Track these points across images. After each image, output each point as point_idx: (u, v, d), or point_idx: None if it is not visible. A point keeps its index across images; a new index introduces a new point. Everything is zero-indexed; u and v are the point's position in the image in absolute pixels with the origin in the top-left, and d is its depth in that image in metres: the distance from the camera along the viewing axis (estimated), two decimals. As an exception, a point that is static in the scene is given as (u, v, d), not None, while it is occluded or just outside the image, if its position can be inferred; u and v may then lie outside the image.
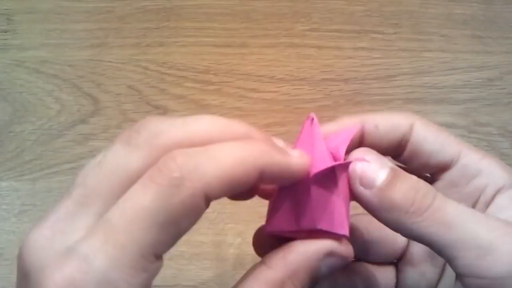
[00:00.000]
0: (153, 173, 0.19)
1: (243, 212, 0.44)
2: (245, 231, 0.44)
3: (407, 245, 0.29)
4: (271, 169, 0.21)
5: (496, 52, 0.51)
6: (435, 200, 0.22)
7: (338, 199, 0.23)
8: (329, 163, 0.23)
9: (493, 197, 0.26)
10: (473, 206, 0.26)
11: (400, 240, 0.29)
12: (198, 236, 0.44)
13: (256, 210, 0.44)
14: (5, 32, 0.50)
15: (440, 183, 0.27)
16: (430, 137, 0.27)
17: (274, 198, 0.24)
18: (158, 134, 0.21)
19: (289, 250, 0.23)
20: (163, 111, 0.48)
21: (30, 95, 0.49)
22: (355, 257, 0.28)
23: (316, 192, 0.22)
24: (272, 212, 0.24)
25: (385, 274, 0.30)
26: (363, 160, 0.24)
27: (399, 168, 0.24)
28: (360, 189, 0.23)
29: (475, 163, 0.26)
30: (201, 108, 0.49)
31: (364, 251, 0.29)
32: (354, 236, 0.28)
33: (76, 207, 0.20)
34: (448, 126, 0.49)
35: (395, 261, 0.30)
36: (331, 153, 0.24)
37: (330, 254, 0.23)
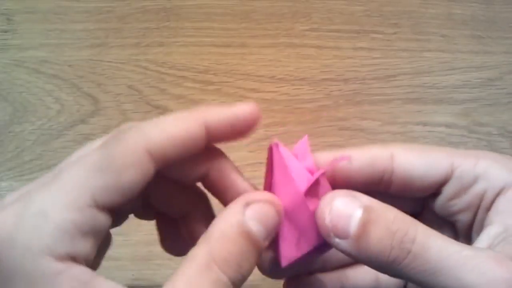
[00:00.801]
0: (103, 139, 0.22)
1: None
2: (245, 231, 0.44)
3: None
4: (216, 122, 0.22)
5: (495, 52, 0.51)
6: (415, 244, 0.20)
7: None
8: (310, 176, 0.23)
9: (492, 201, 0.25)
10: (475, 214, 0.25)
11: None
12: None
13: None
14: (5, 32, 0.50)
15: (440, 198, 0.26)
16: (415, 162, 0.25)
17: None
18: (129, 128, 0.22)
19: (211, 225, 0.22)
20: (163, 111, 0.48)
21: (30, 95, 0.49)
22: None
23: (310, 206, 0.22)
24: (279, 248, 0.24)
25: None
26: (332, 202, 0.22)
27: (372, 204, 0.22)
28: (336, 241, 0.21)
29: (469, 171, 0.25)
30: (201, 108, 0.49)
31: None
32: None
33: (50, 178, 0.21)
34: (448, 126, 0.49)
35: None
36: (305, 168, 0.24)
37: (247, 204, 0.22)
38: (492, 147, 0.48)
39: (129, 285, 0.46)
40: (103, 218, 0.20)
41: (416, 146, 0.26)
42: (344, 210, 0.21)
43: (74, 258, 0.19)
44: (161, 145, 0.20)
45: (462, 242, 0.25)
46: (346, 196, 0.22)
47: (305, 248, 0.23)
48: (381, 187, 0.26)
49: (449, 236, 0.26)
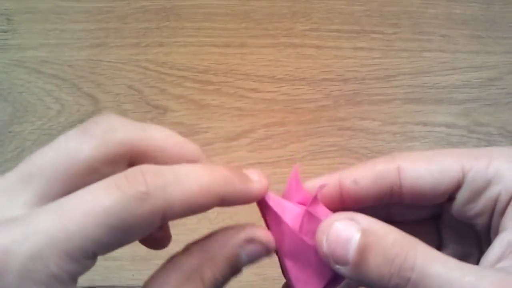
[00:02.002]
0: (119, 180, 0.19)
1: (243, 212, 0.43)
2: (245, 231, 0.44)
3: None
4: (231, 196, 0.22)
5: (495, 52, 0.51)
6: (414, 272, 0.20)
7: None
8: (302, 211, 0.23)
9: (507, 205, 0.23)
10: (490, 218, 0.24)
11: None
12: (198, 236, 0.44)
13: (256, 210, 0.44)
14: (5, 32, 0.50)
15: (455, 203, 0.25)
16: (423, 173, 0.24)
17: (287, 275, 0.24)
18: (116, 129, 0.21)
19: (208, 238, 0.23)
20: (163, 111, 0.48)
21: (30, 95, 0.49)
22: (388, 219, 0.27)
23: (309, 242, 0.23)
24: (295, 285, 0.24)
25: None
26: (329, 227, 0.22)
27: (371, 227, 0.21)
28: (336, 267, 0.21)
29: (481, 174, 0.24)
30: (201, 108, 0.49)
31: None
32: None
33: (19, 183, 0.20)
34: (448, 126, 0.49)
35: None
36: (300, 203, 0.24)
37: (249, 241, 0.22)
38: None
39: (129, 285, 0.46)
40: (92, 263, 0.20)
41: (422, 155, 0.25)
42: (341, 235, 0.21)
43: None
44: (179, 212, 0.20)
45: (484, 244, 0.25)
46: (343, 220, 0.21)
47: (320, 283, 0.23)
48: (393, 200, 0.25)
49: (471, 238, 0.26)
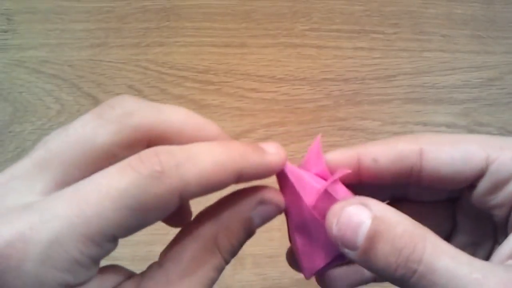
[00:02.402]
0: (133, 161, 0.19)
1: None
2: (245, 231, 0.44)
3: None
4: (249, 171, 0.21)
5: (496, 52, 0.51)
6: (421, 265, 0.20)
7: None
8: (319, 187, 0.23)
9: None
10: (510, 211, 0.24)
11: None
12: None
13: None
14: (5, 32, 0.50)
15: (475, 192, 0.24)
16: (446, 158, 0.23)
17: (294, 246, 0.24)
18: (132, 113, 0.20)
19: (219, 204, 0.22)
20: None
21: (30, 95, 0.49)
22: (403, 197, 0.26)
23: (321, 219, 0.22)
24: (300, 261, 0.24)
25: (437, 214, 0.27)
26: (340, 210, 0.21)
27: (382, 215, 0.21)
28: (345, 251, 0.21)
29: (505, 166, 0.23)
30: (201, 108, 0.49)
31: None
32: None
33: (35, 168, 0.19)
34: (448, 126, 0.49)
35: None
36: (317, 174, 0.24)
37: (261, 202, 0.22)
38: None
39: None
40: (114, 246, 0.20)
41: (446, 138, 0.24)
42: (352, 220, 0.21)
43: (87, 280, 0.19)
44: (195, 191, 0.20)
45: (500, 235, 0.25)
46: (355, 205, 0.21)
47: (325, 259, 0.23)
48: (411, 182, 0.24)
49: (487, 227, 0.25)
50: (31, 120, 0.48)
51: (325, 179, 0.23)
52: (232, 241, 0.22)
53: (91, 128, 0.20)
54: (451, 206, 0.27)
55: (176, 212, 0.25)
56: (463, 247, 0.25)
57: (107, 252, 0.19)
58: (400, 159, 0.23)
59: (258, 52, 0.50)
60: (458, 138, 0.24)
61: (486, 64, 0.50)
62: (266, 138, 0.48)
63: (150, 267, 0.21)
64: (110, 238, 0.19)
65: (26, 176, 0.19)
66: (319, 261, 0.23)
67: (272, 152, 0.22)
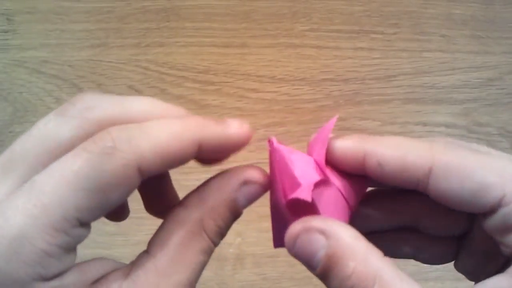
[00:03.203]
0: (86, 144, 0.19)
1: (243, 212, 0.44)
2: (245, 231, 0.44)
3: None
4: (209, 141, 0.21)
5: (495, 52, 0.51)
6: None
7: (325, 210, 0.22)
8: (294, 192, 0.22)
9: None
10: None
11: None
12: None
13: (256, 210, 0.44)
14: (5, 32, 0.50)
15: (484, 223, 0.22)
16: (456, 188, 0.21)
17: (272, 219, 0.24)
18: (93, 107, 0.20)
19: (203, 187, 0.22)
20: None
21: (30, 95, 0.49)
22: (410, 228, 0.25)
23: (293, 212, 0.22)
24: (272, 231, 0.24)
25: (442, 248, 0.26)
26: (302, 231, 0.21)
27: (337, 246, 0.20)
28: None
29: None
30: (201, 108, 0.49)
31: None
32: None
33: (0, 171, 0.19)
34: (448, 126, 0.49)
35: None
36: (315, 160, 0.23)
37: (245, 182, 0.22)
38: (492, 147, 0.48)
39: (129, 285, 0.46)
40: (85, 232, 0.19)
41: (463, 158, 0.21)
42: (307, 249, 0.21)
43: (64, 271, 0.19)
44: (153, 163, 0.19)
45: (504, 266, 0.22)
46: (311, 233, 0.21)
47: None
48: (418, 189, 0.22)
49: (496, 253, 0.22)
50: (31, 120, 0.48)
51: (322, 169, 0.23)
52: (219, 223, 0.22)
53: (53, 126, 0.20)
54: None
55: (158, 202, 0.25)
56: (476, 252, 0.25)
57: (78, 239, 0.19)
58: (406, 172, 0.21)
59: (258, 52, 0.50)
60: (476, 162, 0.21)
61: (486, 64, 0.50)
62: (266, 138, 0.48)
63: (139, 256, 0.22)
64: (75, 223, 0.18)
65: None
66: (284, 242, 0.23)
67: (235, 126, 0.22)
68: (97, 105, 0.20)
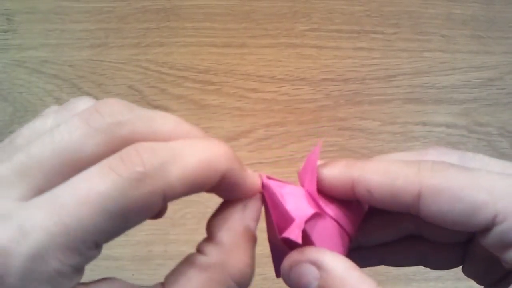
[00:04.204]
0: (114, 162, 0.18)
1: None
2: (245, 231, 0.44)
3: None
4: (230, 177, 0.20)
5: (495, 52, 0.51)
6: None
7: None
8: (286, 231, 0.22)
9: None
10: None
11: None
12: (198, 236, 0.44)
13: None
14: (5, 32, 0.50)
15: (481, 240, 0.21)
16: (446, 211, 0.20)
17: (271, 250, 0.24)
18: (122, 123, 0.19)
19: (212, 230, 0.21)
20: (163, 111, 0.48)
21: (30, 95, 0.49)
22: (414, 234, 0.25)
23: (289, 245, 0.22)
24: (273, 262, 0.24)
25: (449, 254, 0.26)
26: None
27: (328, 280, 0.20)
28: None
29: None
30: (201, 108, 0.49)
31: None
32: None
33: (14, 174, 0.18)
34: (448, 126, 0.49)
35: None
36: (307, 191, 0.23)
37: (245, 205, 0.22)
38: (491, 147, 0.48)
39: (129, 285, 0.46)
40: (98, 253, 0.19)
41: (449, 186, 0.20)
42: (301, 281, 0.21)
43: None
44: (180, 191, 0.19)
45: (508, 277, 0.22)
46: (304, 265, 0.21)
47: None
48: (410, 212, 0.22)
49: (499, 271, 0.22)
50: (31, 120, 0.48)
51: (315, 200, 0.22)
52: (244, 262, 0.21)
53: (78, 137, 0.19)
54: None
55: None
56: (482, 257, 0.24)
57: (90, 259, 0.18)
58: (396, 198, 0.21)
59: (258, 52, 0.50)
60: (464, 182, 0.20)
61: (486, 64, 0.50)
62: (266, 138, 0.48)
63: None
64: (92, 245, 0.18)
65: (4, 182, 0.18)
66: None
67: (253, 175, 0.22)
68: (125, 121, 0.19)
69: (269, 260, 0.25)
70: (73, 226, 0.17)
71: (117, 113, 0.19)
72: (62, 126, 0.19)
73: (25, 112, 0.48)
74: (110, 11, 0.51)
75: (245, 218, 0.21)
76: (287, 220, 0.22)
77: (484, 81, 0.50)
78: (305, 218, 0.21)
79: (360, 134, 0.48)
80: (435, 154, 0.23)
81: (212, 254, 0.20)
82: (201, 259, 0.20)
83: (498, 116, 0.49)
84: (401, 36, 0.51)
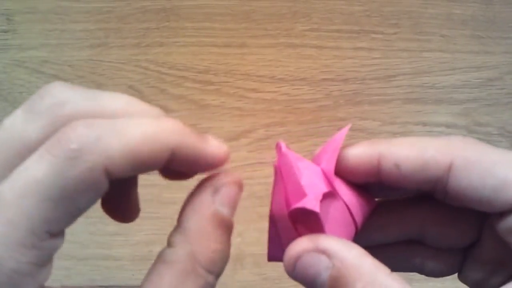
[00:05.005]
0: (51, 143, 0.17)
1: (243, 212, 0.44)
2: (245, 231, 0.44)
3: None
4: (183, 151, 0.19)
5: (495, 52, 0.51)
6: None
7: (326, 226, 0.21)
8: (301, 201, 0.21)
9: None
10: None
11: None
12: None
13: (256, 210, 0.44)
14: (5, 32, 0.50)
15: (501, 224, 0.21)
16: (477, 184, 0.20)
17: (269, 229, 0.23)
18: (64, 102, 0.18)
19: (180, 218, 0.20)
20: (163, 111, 0.48)
21: (30, 95, 0.49)
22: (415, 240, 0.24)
23: (295, 224, 0.21)
24: (268, 243, 0.23)
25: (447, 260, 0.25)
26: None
27: (341, 268, 0.19)
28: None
29: None
30: (201, 108, 0.49)
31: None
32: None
33: None
34: (448, 126, 0.49)
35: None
36: (322, 170, 0.22)
37: (216, 190, 0.20)
38: (492, 147, 0.48)
39: (129, 285, 0.46)
40: (58, 241, 0.18)
41: (485, 154, 0.20)
42: (309, 272, 0.20)
43: (41, 286, 0.18)
44: (122, 166, 0.17)
45: None
46: (312, 254, 0.20)
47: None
48: (435, 194, 0.22)
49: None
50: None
51: (330, 180, 0.22)
52: (213, 247, 0.20)
53: (20, 124, 0.18)
54: (481, 216, 0.24)
55: (122, 206, 0.23)
56: (485, 262, 0.24)
57: (51, 251, 0.17)
58: (425, 170, 0.20)
59: (258, 52, 0.50)
60: (497, 158, 0.20)
61: (485, 64, 0.50)
62: (266, 138, 0.48)
63: None
64: (45, 236, 0.17)
65: None
66: (281, 255, 0.22)
67: (214, 143, 0.20)
68: (67, 100, 0.18)
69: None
70: (18, 220, 0.16)
71: (59, 94, 0.19)
72: (6, 119, 0.19)
73: (25, 112, 0.48)
74: (110, 11, 0.51)
75: (214, 202, 0.20)
76: (299, 194, 0.21)
77: (484, 81, 0.50)
78: (321, 193, 0.20)
79: (360, 134, 0.48)
80: (460, 138, 0.22)
81: (179, 244, 0.20)
82: (168, 253, 0.20)
83: (498, 116, 0.49)
84: (401, 36, 0.51)
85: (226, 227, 0.20)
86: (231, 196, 0.21)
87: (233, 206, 0.21)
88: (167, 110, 0.48)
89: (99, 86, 0.49)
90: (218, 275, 0.20)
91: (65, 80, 0.49)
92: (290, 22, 0.51)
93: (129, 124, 0.18)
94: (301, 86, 0.49)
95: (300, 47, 0.50)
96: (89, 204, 0.18)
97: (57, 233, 0.17)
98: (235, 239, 0.44)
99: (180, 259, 0.19)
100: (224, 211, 0.20)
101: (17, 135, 0.18)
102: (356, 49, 0.51)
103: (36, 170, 0.17)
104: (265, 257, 0.23)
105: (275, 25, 0.51)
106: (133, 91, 0.49)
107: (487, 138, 0.48)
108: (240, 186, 0.21)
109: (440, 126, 0.49)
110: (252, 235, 0.44)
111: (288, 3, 0.51)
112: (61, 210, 0.17)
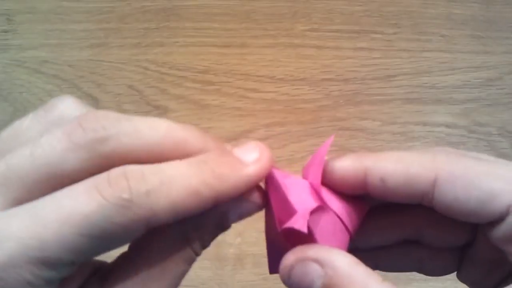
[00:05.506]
0: (101, 184, 0.18)
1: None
2: (245, 231, 0.44)
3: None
4: (226, 195, 0.20)
5: (495, 52, 0.51)
6: None
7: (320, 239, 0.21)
8: (289, 221, 0.21)
9: None
10: None
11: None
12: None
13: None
14: (5, 32, 0.50)
15: (492, 233, 0.21)
16: (462, 198, 0.20)
17: (267, 244, 0.24)
18: (105, 139, 0.19)
19: None
20: (163, 111, 0.48)
21: (30, 95, 0.49)
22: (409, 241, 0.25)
23: (289, 239, 0.21)
24: (267, 255, 0.24)
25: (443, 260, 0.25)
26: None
27: (333, 279, 0.20)
28: None
29: None
30: (201, 108, 0.49)
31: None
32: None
33: None
34: (448, 126, 0.49)
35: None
36: (311, 184, 0.22)
37: (239, 199, 0.21)
38: (491, 147, 0.48)
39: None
40: (74, 270, 0.18)
41: (468, 167, 0.20)
42: (303, 280, 0.20)
43: None
44: (164, 220, 0.18)
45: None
46: (306, 263, 0.20)
47: None
48: (423, 203, 0.22)
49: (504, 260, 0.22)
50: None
51: (318, 193, 0.22)
52: (204, 237, 0.21)
53: (60, 152, 0.18)
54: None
55: None
56: (480, 262, 0.24)
57: (65, 274, 0.18)
58: (410, 185, 0.21)
59: (258, 52, 0.50)
60: (481, 170, 0.20)
61: (485, 64, 0.50)
62: (266, 138, 0.48)
63: (119, 258, 0.21)
64: (68, 263, 0.18)
65: None
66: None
67: (252, 161, 0.21)
68: (109, 136, 0.19)
69: (269, 260, 0.25)
70: (51, 242, 0.17)
71: (100, 128, 0.19)
72: (43, 139, 0.19)
73: (25, 112, 0.48)
74: (110, 11, 0.51)
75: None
76: (289, 212, 0.21)
77: (484, 81, 0.50)
78: (309, 210, 0.20)
79: (360, 134, 0.48)
80: (444, 151, 0.22)
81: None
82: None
83: (498, 116, 0.49)
84: (401, 36, 0.51)
85: (223, 229, 0.22)
86: (248, 213, 0.22)
87: (241, 219, 0.22)
88: (167, 110, 0.48)
89: (99, 86, 0.49)
90: (198, 256, 0.21)
91: (65, 80, 0.49)
92: (290, 22, 0.51)
93: (175, 176, 0.19)
94: (301, 86, 0.49)
95: (300, 47, 0.50)
96: (120, 246, 0.19)
97: (77, 263, 0.18)
98: (235, 239, 0.44)
99: (174, 230, 0.20)
100: (232, 218, 0.21)
101: (55, 162, 0.18)
102: (356, 49, 0.51)
103: (84, 205, 0.17)
104: (265, 257, 0.23)
105: (275, 25, 0.51)
106: (133, 91, 0.49)
107: (487, 138, 0.48)
108: (260, 209, 0.22)
109: (440, 126, 0.49)
110: (252, 235, 0.44)
111: (288, 3, 0.51)
112: (94, 247, 0.18)
